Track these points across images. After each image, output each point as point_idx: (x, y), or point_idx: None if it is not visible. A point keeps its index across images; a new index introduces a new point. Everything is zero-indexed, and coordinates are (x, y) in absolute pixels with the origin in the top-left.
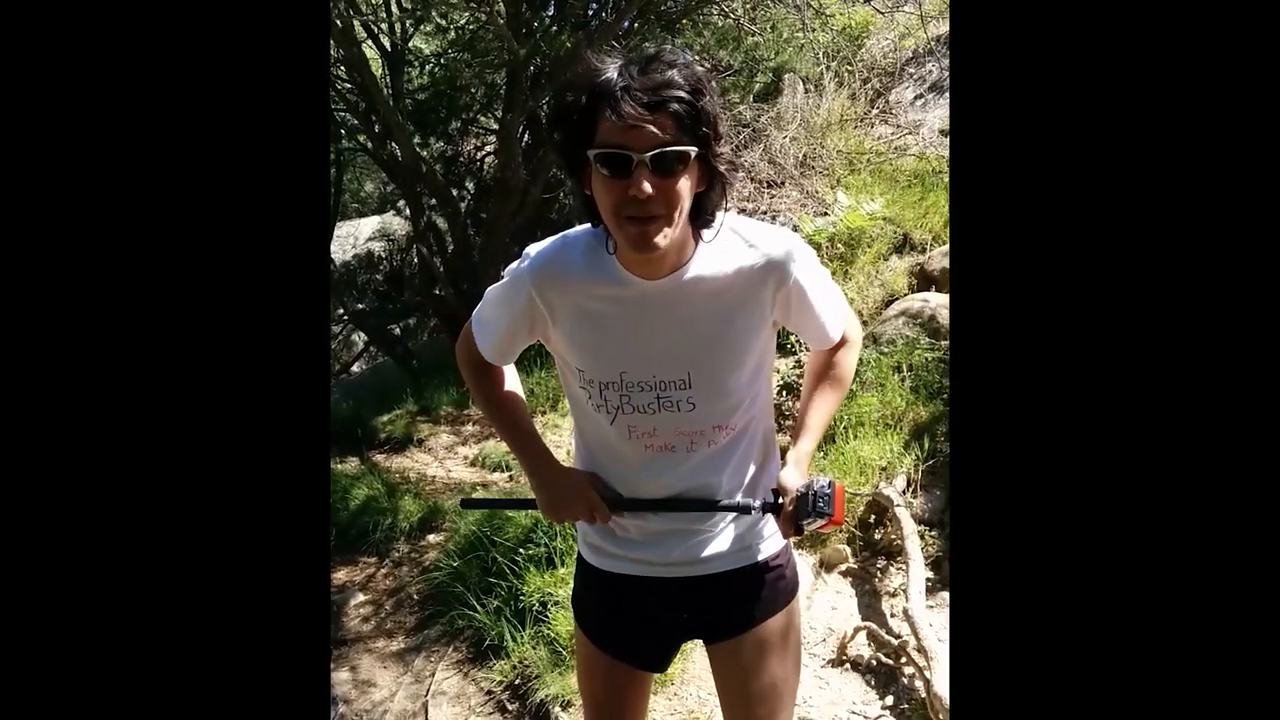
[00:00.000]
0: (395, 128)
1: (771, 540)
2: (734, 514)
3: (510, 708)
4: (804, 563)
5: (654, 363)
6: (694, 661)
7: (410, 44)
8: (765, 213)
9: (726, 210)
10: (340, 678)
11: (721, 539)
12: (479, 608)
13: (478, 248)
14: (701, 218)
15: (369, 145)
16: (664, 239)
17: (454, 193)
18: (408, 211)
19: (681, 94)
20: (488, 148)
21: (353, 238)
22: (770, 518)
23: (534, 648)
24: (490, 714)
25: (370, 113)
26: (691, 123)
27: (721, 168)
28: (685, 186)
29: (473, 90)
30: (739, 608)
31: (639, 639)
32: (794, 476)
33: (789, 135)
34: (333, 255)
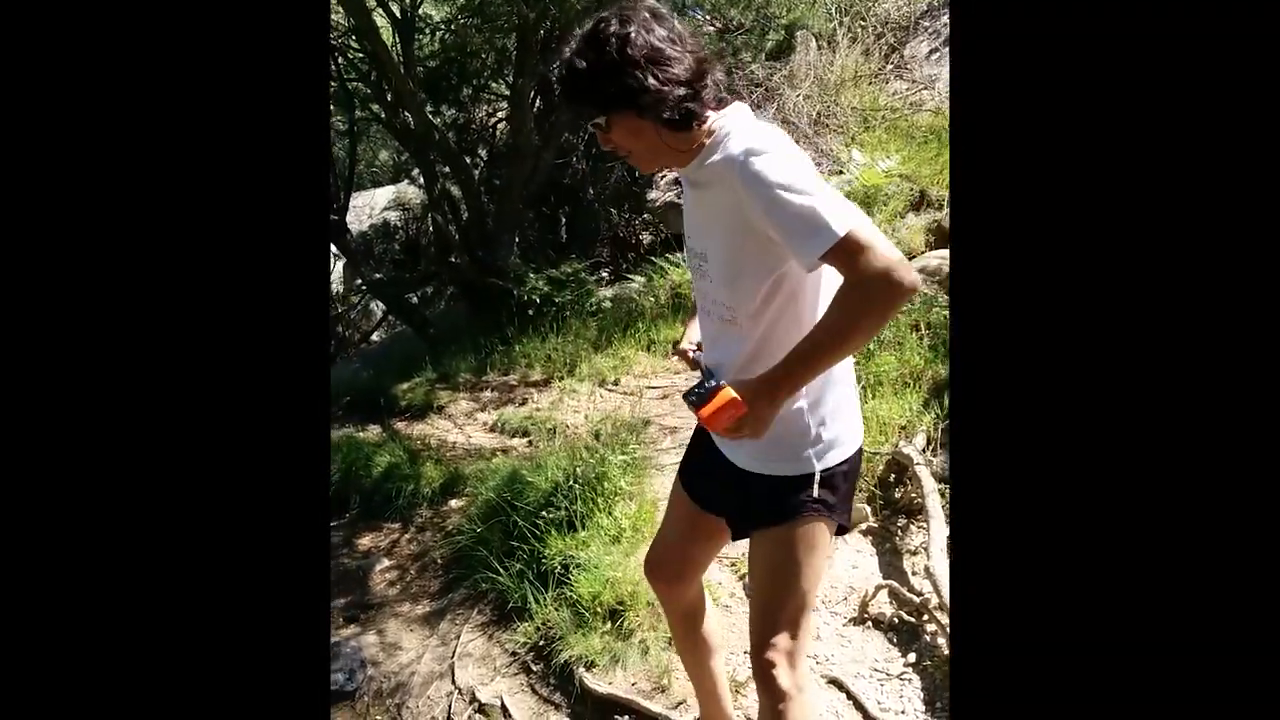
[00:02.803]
0: (407, 96)
1: (769, 462)
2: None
3: (535, 668)
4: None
5: (692, 234)
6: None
7: (420, 10)
8: None
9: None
10: (368, 641)
11: (751, 439)
12: (502, 571)
13: (492, 214)
14: (687, 126)
15: (382, 114)
16: (645, 167)
17: (467, 160)
18: (422, 180)
19: (570, 84)
20: (499, 114)
21: (369, 208)
22: (785, 449)
23: (557, 610)
24: (515, 675)
25: (382, 81)
26: (591, 95)
27: (641, 106)
28: (623, 134)
29: (483, 56)
30: (754, 507)
31: (703, 475)
32: (740, 379)
33: (802, 93)
34: (349, 225)
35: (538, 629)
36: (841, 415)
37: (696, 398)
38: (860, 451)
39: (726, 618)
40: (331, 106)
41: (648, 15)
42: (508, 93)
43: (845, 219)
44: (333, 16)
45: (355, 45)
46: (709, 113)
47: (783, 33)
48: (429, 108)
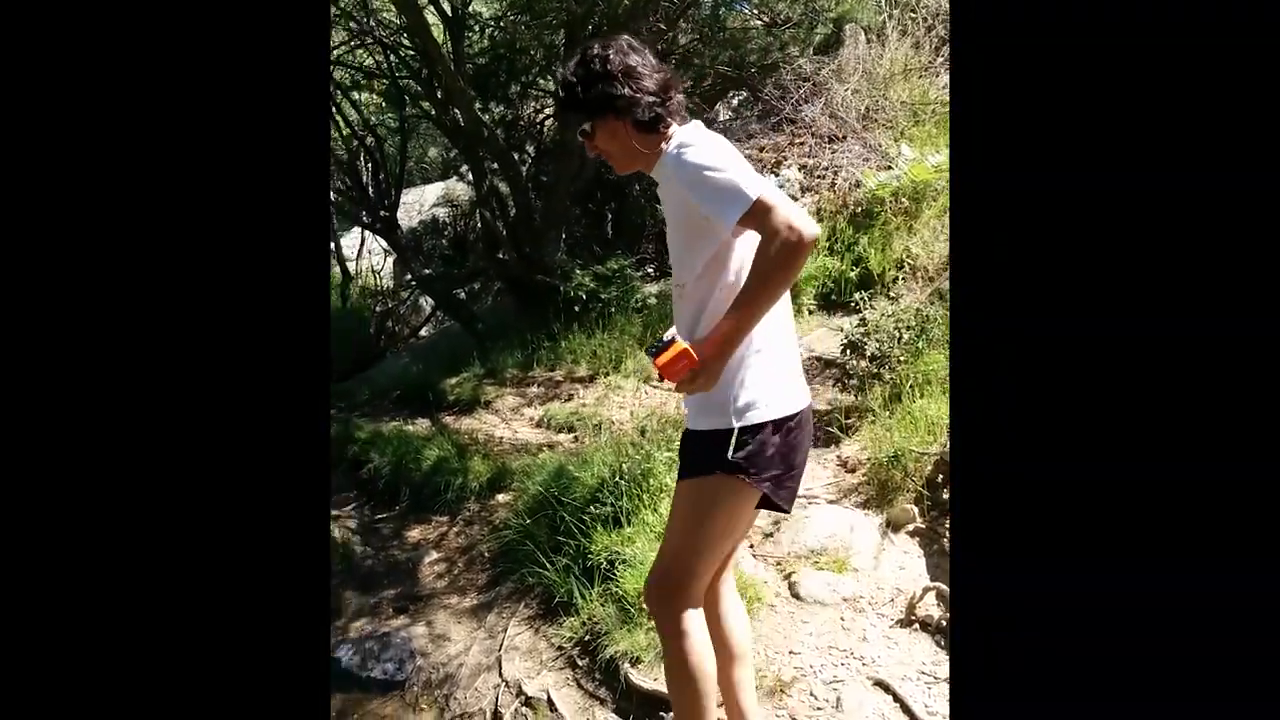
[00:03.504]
0: (457, 93)
1: (700, 418)
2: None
3: (580, 663)
4: (871, 522)
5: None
6: (760, 620)
7: (470, 8)
8: (826, 168)
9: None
10: (417, 631)
11: (692, 402)
12: (548, 566)
13: (539, 211)
14: (654, 128)
15: (432, 111)
16: (621, 168)
17: (515, 156)
18: (471, 177)
19: (562, 95)
20: (547, 110)
21: (418, 204)
22: (711, 406)
23: (602, 605)
24: (561, 669)
25: (433, 79)
26: (581, 103)
27: (618, 109)
28: (603, 139)
29: (531, 52)
30: (682, 461)
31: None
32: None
33: (850, 88)
34: (399, 221)
35: (584, 624)
36: (763, 382)
37: (655, 349)
38: (789, 420)
39: (772, 617)
40: (383, 103)
41: (624, 44)
42: (555, 89)
43: (755, 188)
44: (385, 14)
45: (407, 43)
46: (673, 122)
47: (831, 26)
48: (478, 105)
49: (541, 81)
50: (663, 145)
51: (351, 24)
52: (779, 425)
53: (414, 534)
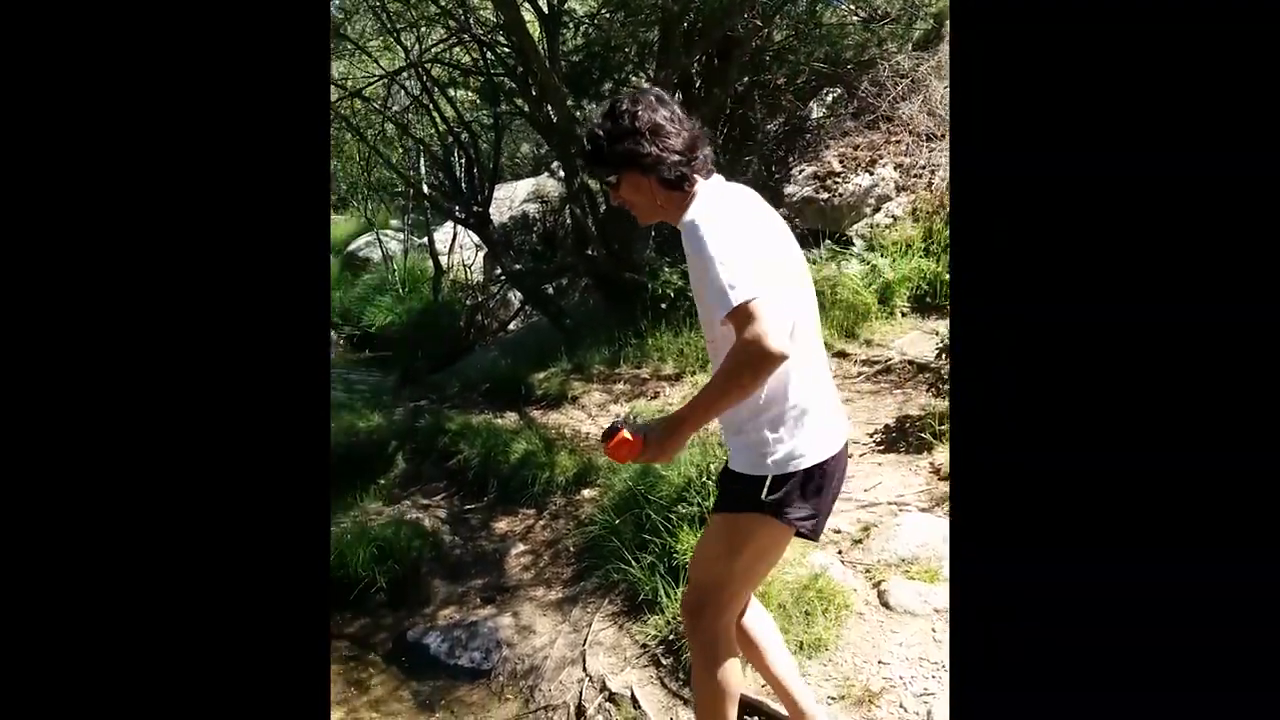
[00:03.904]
0: (551, 90)
1: (740, 461)
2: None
3: (664, 662)
4: None
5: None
6: (848, 628)
7: (565, 5)
8: (923, 167)
9: (710, 177)
10: (503, 622)
11: (732, 444)
12: (633, 563)
13: None
14: (679, 186)
15: (525, 108)
16: (642, 218)
17: None
18: (562, 173)
19: (588, 148)
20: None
21: (509, 200)
22: (750, 454)
23: None
24: (645, 667)
25: (528, 76)
26: (605, 157)
27: (644, 165)
28: (628, 190)
29: (626, 49)
30: (719, 494)
31: None
32: (648, 419)
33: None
34: (490, 217)
35: (668, 623)
36: (798, 435)
37: (604, 435)
38: (824, 465)
39: (860, 626)
40: (478, 100)
41: (653, 99)
42: (648, 87)
43: (745, 292)
44: (483, 12)
45: (503, 40)
46: (698, 178)
47: (931, 21)
48: (571, 101)
49: (635, 79)
50: (687, 202)
51: (450, 22)
52: (812, 471)
53: (501, 525)
